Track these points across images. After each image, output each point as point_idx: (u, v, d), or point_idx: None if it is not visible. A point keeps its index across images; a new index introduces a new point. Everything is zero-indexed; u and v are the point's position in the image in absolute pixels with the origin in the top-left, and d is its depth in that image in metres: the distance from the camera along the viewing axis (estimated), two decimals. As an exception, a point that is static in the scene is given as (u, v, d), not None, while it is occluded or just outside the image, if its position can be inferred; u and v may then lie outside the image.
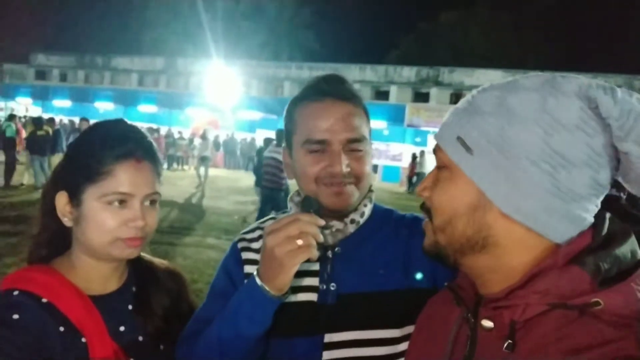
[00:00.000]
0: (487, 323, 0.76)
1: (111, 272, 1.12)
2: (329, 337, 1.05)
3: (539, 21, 37.06)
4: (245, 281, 1.03)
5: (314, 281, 1.09)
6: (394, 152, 24.10)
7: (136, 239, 1.05)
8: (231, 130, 25.36)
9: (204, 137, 15.43)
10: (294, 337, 1.05)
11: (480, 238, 0.76)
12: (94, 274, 1.09)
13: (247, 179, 17.56)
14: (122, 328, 1.08)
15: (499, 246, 0.75)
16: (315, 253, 0.93)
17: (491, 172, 0.74)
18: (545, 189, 0.70)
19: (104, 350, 1.01)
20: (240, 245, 1.19)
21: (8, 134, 13.09)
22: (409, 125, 23.92)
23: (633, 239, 0.74)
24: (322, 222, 0.95)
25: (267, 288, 0.95)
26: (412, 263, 1.10)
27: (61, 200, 1.07)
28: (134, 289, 1.16)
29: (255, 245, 1.16)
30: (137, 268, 1.20)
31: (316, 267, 1.09)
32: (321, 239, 0.94)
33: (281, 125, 1.24)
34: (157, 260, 1.29)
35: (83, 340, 1.00)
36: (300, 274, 1.05)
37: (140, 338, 1.11)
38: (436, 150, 0.83)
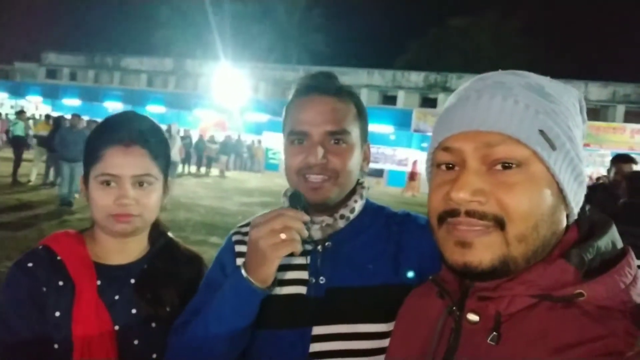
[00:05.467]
0: (473, 317, 0.74)
1: (120, 246, 1.23)
2: (316, 330, 1.06)
3: (549, 27, 36.91)
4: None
5: (303, 274, 1.10)
6: (400, 156, 24.10)
7: (124, 215, 1.15)
8: (238, 132, 25.43)
9: (168, 135, 11.55)
10: (282, 329, 1.07)
11: (554, 239, 0.72)
12: (105, 245, 1.23)
13: (254, 180, 17.61)
14: (116, 297, 1.18)
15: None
16: (298, 247, 0.94)
17: (568, 168, 0.72)
18: (585, 186, 0.75)
19: (87, 308, 1.13)
20: (234, 238, 1.22)
21: (16, 132, 13.21)
22: (415, 131, 23.89)
23: (613, 229, 0.74)
24: (307, 218, 0.97)
25: (251, 280, 0.97)
26: (401, 259, 1.11)
27: (81, 182, 1.24)
28: (145, 266, 1.25)
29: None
30: (157, 247, 1.30)
31: (306, 260, 1.11)
32: (305, 234, 0.96)
33: None
34: (183, 246, 1.38)
35: (73, 296, 1.14)
36: (290, 267, 1.09)
37: (133, 311, 1.19)
38: (498, 144, 0.70)
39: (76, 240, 1.22)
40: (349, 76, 34.16)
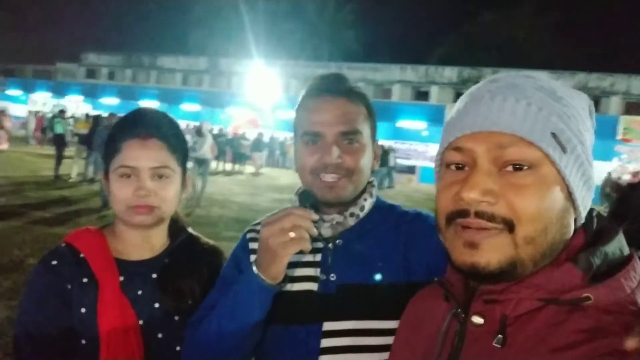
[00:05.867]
0: (478, 319, 0.74)
1: (141, 240, 1.26)
2: (327, 326, 1.08)
3: (586, 21, 35.69)
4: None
5: (315, 271, 1.13)
6: (432, 153, 23.77)
7: (142, 206, 1.18)
8: (270, 129, 25.66)
9: (199, 133, 11.43)
10: (293, 325, 1.10)
11: (562, 243, 0.72)
12: (125, 240, 1.26)
13: (286, 176, 17.74)
14: (139, 292, 1.21)
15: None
16: (307, 245, 0.97)
17: (578, 172, 0.73)
18: (593, 190, 0.76)
19: (111, 304, 1.16)
20: (249, 235, 1.25)
21: (57, 130, 13.70)
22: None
23: (621, 235, 0.74)
24: (316, 217, 1.00)
25: (262, 277, 1.00)
26: (411, 257, 1.12)
27: (103, 177, 1.27)
28: (166, 260, 1.28)
29: None
30: (179, 243, 1.32)
31: (317, 258, 1.13)
32: (314, 232, 0.98)
33: None
34: (204, 240, 1.40)
35: (98, 293, 1.16)
36: (302, 264, 1.12)
37: (156, 305, 1.22)
38: (510, 145, 0.70)
39: (97, 237, 1.25)
40: (381, 72, 33.92)
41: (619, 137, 20.00)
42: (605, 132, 18.75)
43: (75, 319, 1.14)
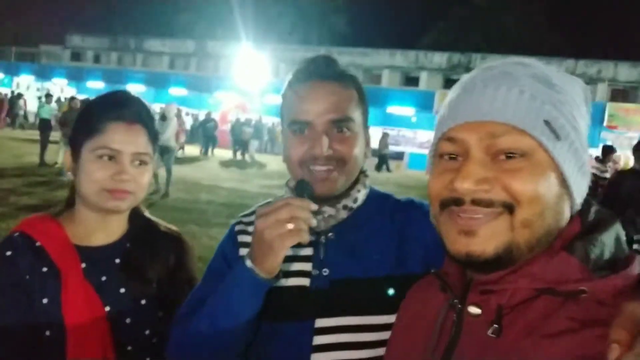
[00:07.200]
0: (474, 310, 0.74)
1: (103, 225, 1.23)
2: (320, 322, 1.04)
3: (576, 7, 35.77)
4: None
5: (306, 266, 1.08)
6: (421, 139, 23.84)
7: (121, 191, 1.16)
8: (258, 114, 25.50)
9: (163, 117, 9.99)
10: (285, 322, 1.06)
11: (556, 230, 0.72)
12: (87, 225, 1.22)
13: (274, 163, 17.69)
14: (103, 278, 1.19)
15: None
16: (306, 237, 0.91)
17: (572, 159, 0.72)
18: (588, 176, 0.77)
19: (75, 292, 1.13)
20: (237, 228, 1.20)
21: (43, 115, 13.47)
22: (438, 112, 23.52)
23: (618, 225, 0.73)
24: (315, 207, 0.94)
25: (257, 271, 0.95)
26: (406, 249, 1.09)
27: (67, 156, 1.23)
28: (127, 245, 1.25)
29: (251, 228, 1.11)
30: (137, 227, 1.30)
31: (309, 252, 1.09)
32: (313, 223, 0.93)
33: None
34: (163, 225, 1.37)
35: (60, 282, 1.13)
36: (293, 258, 1.06)
37: (122, 290, 1.20)
38: (503, 134, 0.70)
39: (53, 224, 1.20)
40: (370, 57, 33.75)
41: (605, 123, 20.20)
42: (592, 118, 18.92)
43: (37, 309, 1.10)
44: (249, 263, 0.96)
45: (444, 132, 0.77)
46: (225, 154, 20.76)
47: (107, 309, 1.16)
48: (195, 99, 27.70)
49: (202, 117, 23.51)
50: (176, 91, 28.00)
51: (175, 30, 41.38)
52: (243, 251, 1.06)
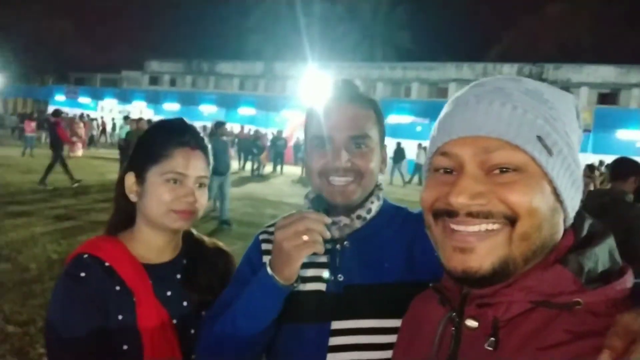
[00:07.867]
0: (472, 323, 0.75)
1: (165, 244, 1.31)
2: (335, 325, 1.11)
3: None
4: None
5: (323, 272, 1.16)
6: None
7: (187, 212, 1.24)
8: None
9: (213, 134, 8.79)
10: (303, 323, 1.13)
11: (551, 243, 0.72)
12: (150, 244, 1.29)
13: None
14: (168, 293, 1.26)
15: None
16: (320, 248, 0.99)
17: (565, 174, 0.73)
18: (581, 191, 0.77)
19: (148, 308, 1.20)
20: (262, 237, 1.29)
21: (123, 135, 14.40)
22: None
23: (611, 238, 0.74)
24: (329, 221, 1.02)
25: (276, 278, 1.03)
26: (416, 258, 1.15)
27: (129, 179, 1.29)
28: (184, 261, 1.34)
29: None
30: (189, 244, 1.39)
31: (326, 259, 1.17)
32: (328, 235, 1.01)
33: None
34: (208, 240, 1.49)
35: (133, 299, 1.20)
36: (311, 265, 1.15)
37: (185, 304, 1.28)
38: (496, 149, 0.70)
39: (117, 245, 1.27)
40: (436, 71, 33.27)
41: None
42: None
43: (113, 326, 1.16)
44: (269, 270, 1.04)
45: (439, 147, 0.78)
46: (295, 170, 21.14)
47: (174, 321, 1.25)
48: (262, 117, 28.54)
49: (270, 136, 24.20)
50: (245, 111, 29.00)
51: (245, 54, 43.14)
52: (266, 258, 1.13)
